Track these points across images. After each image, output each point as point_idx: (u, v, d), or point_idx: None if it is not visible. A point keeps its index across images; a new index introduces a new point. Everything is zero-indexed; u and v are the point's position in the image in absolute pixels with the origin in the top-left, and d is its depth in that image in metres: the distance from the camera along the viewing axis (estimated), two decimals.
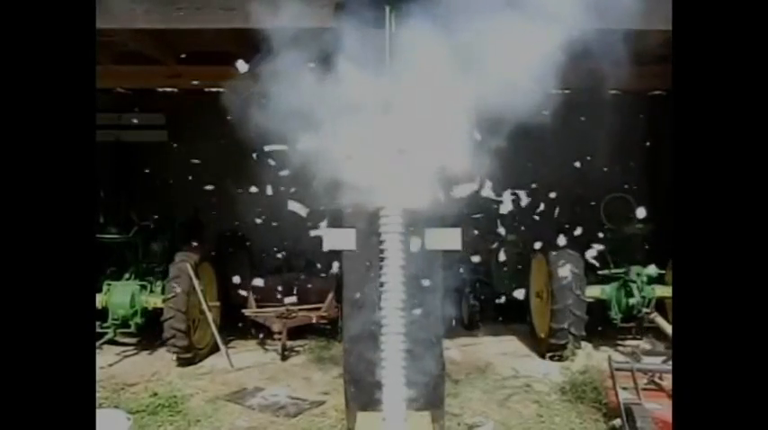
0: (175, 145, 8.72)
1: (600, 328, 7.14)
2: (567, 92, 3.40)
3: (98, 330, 6.77)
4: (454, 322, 7.40)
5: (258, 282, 6.91)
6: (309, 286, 7.56)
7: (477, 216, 5.86)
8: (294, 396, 5.86)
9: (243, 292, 7.22)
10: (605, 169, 7.72)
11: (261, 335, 7.32)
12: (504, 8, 3.16)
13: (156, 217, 7.82)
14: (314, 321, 7.21)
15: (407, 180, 3.47)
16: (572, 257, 6.65)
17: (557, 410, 5.39)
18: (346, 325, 4.18)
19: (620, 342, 7.23)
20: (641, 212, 6.06)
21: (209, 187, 7.64)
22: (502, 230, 5.61)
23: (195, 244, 7.29)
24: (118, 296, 7.04)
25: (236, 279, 6.77)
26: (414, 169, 3.47)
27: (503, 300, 7.65)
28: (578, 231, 6.38)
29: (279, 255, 8.06)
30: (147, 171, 8.59)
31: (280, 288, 7.34)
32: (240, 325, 7.36)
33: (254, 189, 4.79)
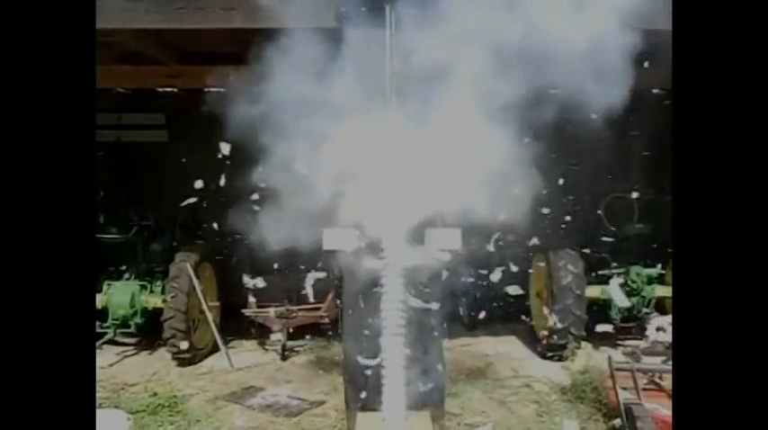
0: (175, 145, 8.70)
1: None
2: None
3: (98, 330, 6.77)
4: (454, 322, 7.41)
5: (258, 281, 6.91)
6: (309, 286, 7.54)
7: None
8: (294, 396, 5.86)
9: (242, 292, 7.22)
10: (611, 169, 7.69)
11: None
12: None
13: (156, 217, 7.82)
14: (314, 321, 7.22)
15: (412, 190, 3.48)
16: (572, 257, 6.65)
17: (557, 410, 5.39)
18: (346, 325, 4.18)
19: (620, 342, 7.23)
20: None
21: (209, 187, 7.63)
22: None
23: (195, 244, 7.29)
24: (118, 296, 7.04)
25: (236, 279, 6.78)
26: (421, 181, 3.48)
27: (503, 300, 7.64)
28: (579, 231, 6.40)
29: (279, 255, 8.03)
30: (147, 171, 8.58)
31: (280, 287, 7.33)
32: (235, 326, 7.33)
33: (254, 189, 4.79)
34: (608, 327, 6.59)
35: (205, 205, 7.86)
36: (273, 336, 7.01)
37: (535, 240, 6.69)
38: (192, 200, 5.39)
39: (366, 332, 3.75)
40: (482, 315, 7.92)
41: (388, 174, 3.50)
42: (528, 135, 3.59)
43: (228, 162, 4.91)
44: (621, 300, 6.85)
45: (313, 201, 3.73)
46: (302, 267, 7.91)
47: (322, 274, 5.05)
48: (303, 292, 7.28)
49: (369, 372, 3.63)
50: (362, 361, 3.69)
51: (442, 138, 3.46)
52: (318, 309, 7.22)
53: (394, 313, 3.42)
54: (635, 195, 7.42)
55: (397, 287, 3.43)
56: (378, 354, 3.48)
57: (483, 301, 7.97)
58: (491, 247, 7.73)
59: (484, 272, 8.28)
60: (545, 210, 5.84)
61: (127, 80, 7.42)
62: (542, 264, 7.00)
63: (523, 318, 7.57)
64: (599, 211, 7.57)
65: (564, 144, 6.52)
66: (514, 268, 7.51)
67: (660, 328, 5.24)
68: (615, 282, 6.95)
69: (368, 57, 3.51)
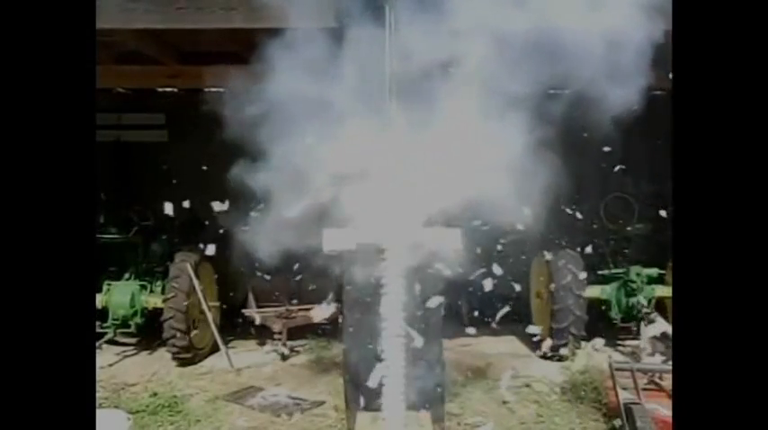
0: (175, 145, 8.70)
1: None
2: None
3: (98, 330, 6.77)
4: (454, 322, 7.39)
5: (258, 281, 6.90)
6: (309, 286, 7.55)
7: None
8: (294, 396, 5.86)
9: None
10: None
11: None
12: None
13: (156, 217, 7.81)
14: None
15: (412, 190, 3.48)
16: (572, 257, 6.65)
17: (557, 410, 5.39)
18: (346, 325, 4.18)
19: (620, 342, 7.22)
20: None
21: (208, 187, 7.63)
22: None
23: (195, 244, 7.28)
24: (118, 296, 7.04)
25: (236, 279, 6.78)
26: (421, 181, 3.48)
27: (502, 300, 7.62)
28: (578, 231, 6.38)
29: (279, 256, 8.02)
30: (147, 171, 8.57)
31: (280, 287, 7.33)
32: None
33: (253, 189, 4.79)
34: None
35: (205, 205, 7.90)
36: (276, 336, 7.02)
37: (535, 241, 6.70)
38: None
39: (366, 333, 3.75)
40: (481, 315, 7.93)
41: (389, 174, 3.50)
42: (529, 134, 3.59)
43: (228, 162, 4.90)
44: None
45: (313, 201, 3.73)
46: (300, 267, 7.94)
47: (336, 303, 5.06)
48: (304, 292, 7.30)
49: (368, 372, 3.63)
50: (362, 361, 3.70)
51: (443, 137, 3.46)
52: None
53: (394, 314, 3.42)
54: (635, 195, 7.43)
55: (397, 286, 3.44)
56: (378, 355, 3.48)
57: (483, 301, 7.96)
58: (492, 248, 7.72)
59: (484, 272, 8.25)
60: (546, 211, 5.83)
61: (127, 80, 7.42)
62: (543, 265, 6.99)
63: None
64: (599, 211, 7.56)
65: (567, 143, 6.51)
66: (515, 268, 7.48)
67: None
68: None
69: (368, 57, 3.51)
